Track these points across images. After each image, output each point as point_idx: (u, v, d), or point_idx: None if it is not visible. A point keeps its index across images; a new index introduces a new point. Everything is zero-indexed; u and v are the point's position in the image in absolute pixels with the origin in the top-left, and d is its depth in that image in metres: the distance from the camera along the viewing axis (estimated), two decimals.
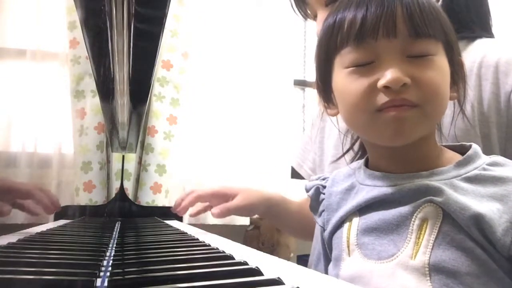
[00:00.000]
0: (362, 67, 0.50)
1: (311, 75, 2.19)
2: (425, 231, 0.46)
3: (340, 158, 0.67)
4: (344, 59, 0.51)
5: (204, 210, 0.92)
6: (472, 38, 0.74)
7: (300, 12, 0.85)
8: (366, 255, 0.50)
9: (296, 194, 1.79)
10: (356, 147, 0.65)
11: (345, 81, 0.51)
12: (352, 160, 0.65)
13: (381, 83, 0.47)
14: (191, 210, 0.93)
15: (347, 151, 0.66)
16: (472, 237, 0.45)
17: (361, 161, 0.59)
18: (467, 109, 0.64)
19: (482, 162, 0.51)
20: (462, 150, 0.53)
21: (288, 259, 1.59)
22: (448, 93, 0.51)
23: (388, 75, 0.47)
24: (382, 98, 0.48)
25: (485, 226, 0.44)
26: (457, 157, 0.52)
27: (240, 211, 0.89)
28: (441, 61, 0.50)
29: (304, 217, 0.92)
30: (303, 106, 2.18)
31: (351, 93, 0.50)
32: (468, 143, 0.54)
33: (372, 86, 0.48)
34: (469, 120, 0.60)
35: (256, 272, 0.36)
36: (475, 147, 0.53)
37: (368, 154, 0.58)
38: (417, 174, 0.50)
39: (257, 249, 0.56)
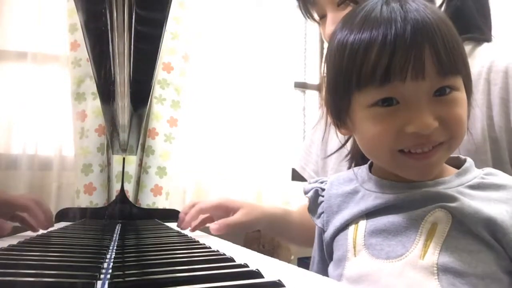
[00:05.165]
0: (387, 108, 0.48)
1: (312, 78, 2.20)
2: (434, 234, 0.48)
3: (339, 149, 0.68)
4: (367, 97, 0.49)
5: (204, 223, 0.89)
6: (479, 41, 0.73)
7: (305, 13, 0.84)
8: (374, 255, 0.51)
9: (296, 196, 1.79)
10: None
11: (367, 121, 0.50)
12: (355, 156, 0.65)
13: (410, 129, 0.47)
14: (193, 223, 0.90)
15: (345, 143, 0.67)
16: (478, 241, 0.47)
17: (364, 167, 0.60)
18: (476, 113, 0.65)
19: (479, 172, 0.53)
20: (456, 162, 0.56)
21: (289, 261, 1.58)
22: (466, 123, 0.52)
23: (417, 121, 0.46)
24: (409, 141, 0.48)
25: (498, 228, 0.46)
26: (454, 169, 0.55)
27: (239, 227, 0.86)
28: (463, 96, 0.50)
29: (306, 228, 0.92)
30: (304, 109, 2.18)
31: (374, 135, 0.50)
32: (463, 157, 0.56)
33: (398, 130, 0.48)
34: (473, 135, 0.60)
35: (257, 274, 0.36)
36: (470, 160, 0.55)
37: (374, 164, 0.59)
38: (423, 184, 0.52)
39: (258, 252, 0.56)
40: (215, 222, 0.83)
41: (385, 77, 0.47)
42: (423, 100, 0.47)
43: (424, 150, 0.48)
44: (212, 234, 0.81)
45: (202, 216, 0.91)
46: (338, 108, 0.55)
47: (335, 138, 0.89)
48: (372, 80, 0.48)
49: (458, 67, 0.49)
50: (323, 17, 0.81)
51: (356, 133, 0.55)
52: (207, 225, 0.87)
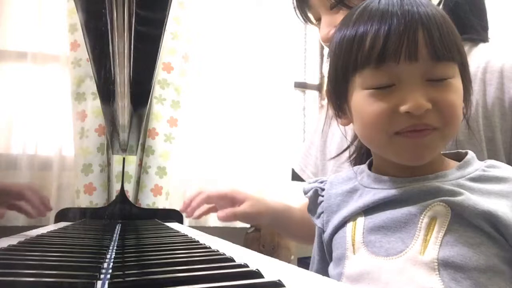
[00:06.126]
0: (382, 90, 0.50)
1: (312, 78, 2.20)
2: (433, 229, 0.48)
3: (342, 152, 0.68)
4: (364, 79, 0.51)
5: (209, 211, 0.92)
6: (475, 42, 0.74)
7: (301, 16, 0.85)
8: (373, 252, 0.51)
9: (296, 196, 1.79)
10: (359, 146, 0.66)
11: (364, 102, 0.51)
12: (355, 158, 0.65)
13: (403, 109, 0.48)
14: (197, 211, 0.92)
15: (349, 146, 0.67)
16: (479, 234, 0.47)
17: (363, 166, 0.60)
18: (472, 113, 0.65)
19: (480, 165, 0.53)
20: (457, 157, 0.56)
21: (289, 261, 1.58)
22: (462, 112, 0.53)
23: (410, 101, 0.48)
24: (402, 122, 0.49)
25: (500, 221, 0.46)
26: (455, 162, 0.54)
27: (245, 218, 0.89)
28: (458, 83, 0.51)
29: (306, 224, 0.92)
30: (304, 109, 2.18)
31: (370, 115, 0.51)
32: (464, 151, 0.56)
33: (393, 110, 0.49)
34: (471, 128, 0.60)
35: (257, 274, 0.36)
36: (471, 153, 0.55)
37: (374, 160, 0.59)
38: (423, 177, 0.52)
39: (258, 252, 0.56)
40: (223, 210, 0.86)
41: (380, 59, 0.49)
42: (417, 82, 0.49)
43: (416, 129, 0.49)
44: (213, 235, 0.81)
45: (205, 205, 0.93)
46: (338, 94, 0.57)
47: (335, 140, 0.90)
48: (367, 62, 0.50)
49: (452, 54, 0.50)
50: (319, 19, 0.82)
51: (354, 120, 0.56)
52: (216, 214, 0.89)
